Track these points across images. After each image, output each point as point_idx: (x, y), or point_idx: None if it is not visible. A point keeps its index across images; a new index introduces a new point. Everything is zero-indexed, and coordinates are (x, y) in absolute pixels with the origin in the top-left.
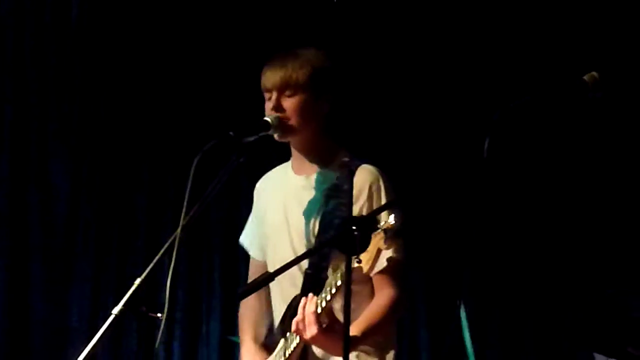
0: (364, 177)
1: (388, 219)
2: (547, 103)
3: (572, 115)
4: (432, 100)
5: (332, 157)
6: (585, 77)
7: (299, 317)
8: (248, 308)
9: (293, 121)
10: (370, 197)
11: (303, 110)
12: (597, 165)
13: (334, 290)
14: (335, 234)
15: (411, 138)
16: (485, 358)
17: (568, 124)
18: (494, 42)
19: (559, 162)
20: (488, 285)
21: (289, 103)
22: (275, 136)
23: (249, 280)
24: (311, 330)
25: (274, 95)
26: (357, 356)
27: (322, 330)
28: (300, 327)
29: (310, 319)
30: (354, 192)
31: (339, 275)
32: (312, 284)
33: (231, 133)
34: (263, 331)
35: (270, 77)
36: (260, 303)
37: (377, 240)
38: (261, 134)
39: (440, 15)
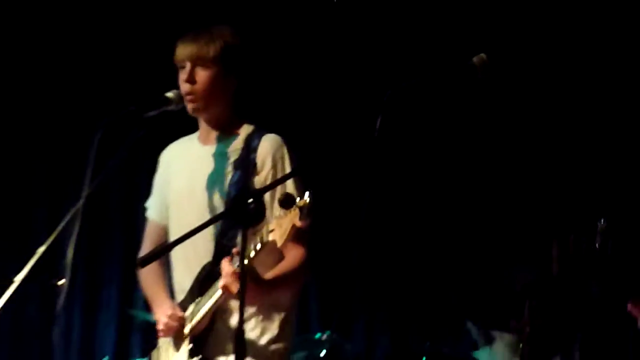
0: (267, 145)
1: (305, 197)
2: (437, 84)
3: (463, 96)
4: (323, 83)
5: (237, 129)
6: (474, 60)
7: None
8: (150, 272)
9: (204, 93)
10: (274, 165)
11: (214, 83)
12: (487, 149)
13: (258, 247)
14: (229, 206)
15: (307, 115)
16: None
17: (460, 105)
18: (388, 26)
19: (449, 143)
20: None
21: (200, 76)
22: (189, 109)
23: (145, 240)
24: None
25: (188, 66)
26: (257, 311)
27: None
28: (228, 281)
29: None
30: (258, 161)
31: (260, 236)
32: (225, 252)
33: (132, 107)
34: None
35: (183, 50)
36: (162, 269)
37: (292, 216)
38: (162, 109)
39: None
